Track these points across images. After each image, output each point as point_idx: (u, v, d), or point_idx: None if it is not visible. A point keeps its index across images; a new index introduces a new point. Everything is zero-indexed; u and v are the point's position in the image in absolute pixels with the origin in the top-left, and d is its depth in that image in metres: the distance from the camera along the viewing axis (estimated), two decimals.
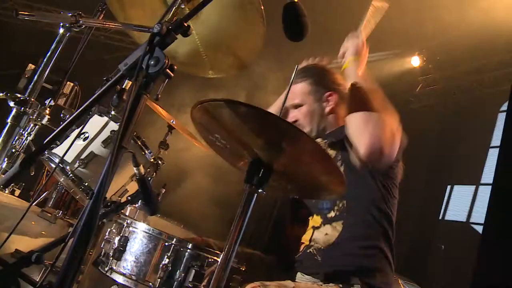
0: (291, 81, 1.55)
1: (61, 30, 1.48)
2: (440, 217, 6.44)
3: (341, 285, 1.85)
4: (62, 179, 2.48)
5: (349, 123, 1.91)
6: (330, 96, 2.24)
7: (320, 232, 2.02)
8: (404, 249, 5.61)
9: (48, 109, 2.29)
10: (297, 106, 2.24)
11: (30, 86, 1.58)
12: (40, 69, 1.51)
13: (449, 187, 6.57)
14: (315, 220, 2.08)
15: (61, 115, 2.44)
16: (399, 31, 6.19)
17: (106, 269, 2.05)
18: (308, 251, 2.02)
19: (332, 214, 2.02)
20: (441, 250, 6.10)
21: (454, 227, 6.23)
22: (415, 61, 6.96)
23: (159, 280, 1.92)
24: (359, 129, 1.85)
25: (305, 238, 2.08)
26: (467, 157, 6.47)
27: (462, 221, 6.08)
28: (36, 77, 1.59)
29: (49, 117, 2.42)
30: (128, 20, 1.77)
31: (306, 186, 1.72)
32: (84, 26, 1.47)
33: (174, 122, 3.12)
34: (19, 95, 1.44)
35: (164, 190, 2.92)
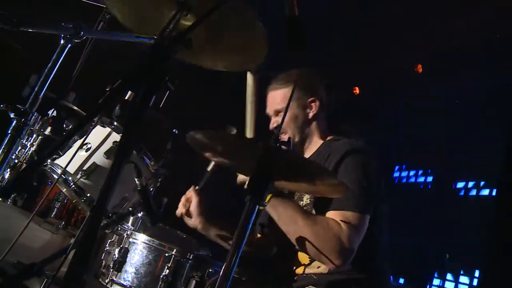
0: (289, 98, 1.53)
1: (62, 41, 1.49)
2: None
3: None
4: (65, 190, 2.48)
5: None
6: (313, 102, 2.21)
7: (312, 268, 1.97)
8: (405, 257, 5.57)
9: (50, 119, 2.31)
10: (278, 112, 2.20)
11: (31, 97, 1.58)
12: (41, 80, 1.51)
13: None
14: (303, 257, 2.01)
15: (64, 126, 2.45)
16: (401, 42, 6.21)
17: (106, 281, 2.05)
18: (303, 275, 1.99)
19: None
20: (446, 258, 6.05)
21: None
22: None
23: None
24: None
25: (298, 272, 2.03)
26: None
27: None
28: (36, 88, 1.60)
29: (51, 128, 2.43)
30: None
31: (309, 189, 1.74)
32: (85, 37, 1.47)
33: (177, 132, 3.12)
34: (19, 107, 1.44)
35: (166, 199, 2.91)
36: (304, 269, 1.98)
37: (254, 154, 1.42)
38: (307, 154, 2.20)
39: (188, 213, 2.18)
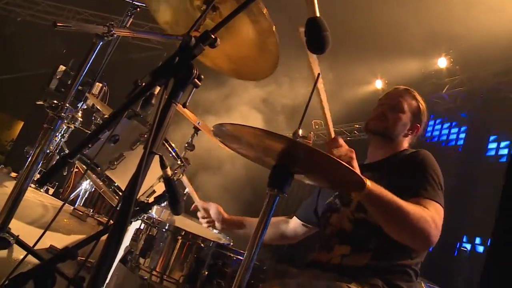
0: (313, 88, 1.59)
1: (94, 39, 1.57)
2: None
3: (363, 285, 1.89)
4: (93, 179, 2.59)
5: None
6: (418, 128, 2.32)
7: (349, 259, 2.01)
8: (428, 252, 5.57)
9: (80, 112, 2.40)
10: (394, 108, 2.28)
11: (66, 90, 1.67)
12: (75, 75, 1.60)
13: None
14: (343, 248, 2.06)
15: (93, 118, 2.55)
16: (426, 32, 6.16)
17: (133, 267, 2.14)
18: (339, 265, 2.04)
19: (364, 246, 2.01)
20: (466, 253, 6.03)
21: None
22: (442, 62, 6.90)
23: (183, 277, 1.99)
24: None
25: (333, 261, 2.06)
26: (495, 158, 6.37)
27: None
28: (70, 82, 1.68)
29: (81, 119, 2.53)
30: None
31: (329, 181, 1.81)
32: (115, 35, 1.55)
33: (200, 124, 3.19)
34: (55, 101, 1.53)
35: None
36: (341, 260, 2.03)
37: (276, 146, 1.48)
38: (382, 154, 2.29)
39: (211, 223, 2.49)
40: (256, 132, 1.44)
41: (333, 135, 1.96)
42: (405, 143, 2.31)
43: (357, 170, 1.78)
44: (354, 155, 1.83)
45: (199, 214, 2.56)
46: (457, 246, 6.20)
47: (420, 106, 2.32)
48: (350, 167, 1.50)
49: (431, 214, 1.85)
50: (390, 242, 1.91)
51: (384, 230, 1.86)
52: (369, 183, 1.71)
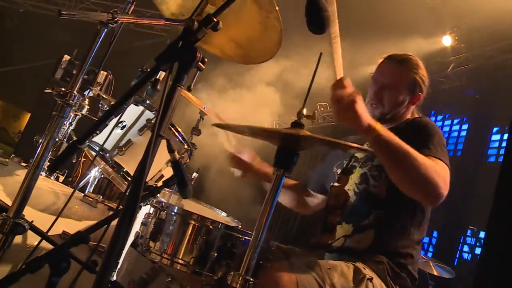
0: (315, 69, 1.60)
1: (99, 27, 1.59)
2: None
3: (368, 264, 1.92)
4: (102, 165, 2.63)
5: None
6: (418, 97, 2.24)
7: (352, 241, 2.04)
8: (436, 232, 5.60)
9: (87, 99, 2.44)
10: (387, 88, 2.19)
11: (71, 79, 1.70)
12: (81, 63, 1.62)
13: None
14: (346, 228, 2.08)
15: (99, 105, 2.58)
16: (430, 10, 6.10)
17: (143, 250, 2.18)
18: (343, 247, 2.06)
19: (366, 222, 2.04)
20: (475, 232, 6.05)
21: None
22: (447, 41, 6.84)
23: (193, 259, 2.03)
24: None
25: (336, 246, 2.09)
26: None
27: None
28: (76, 71, 1.70)
29: (88, 107, 2.56)
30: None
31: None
32: (119, 22, 1.56)
33: (205, 109, 3.22)
34: (63, 89, 1.56)
35: (197, 174, 3.03)
36: (345, 241, 2.06)
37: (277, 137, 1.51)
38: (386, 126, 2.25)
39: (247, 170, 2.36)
40: (254, 130, 1.47)
41: (340, 75, 1.85)
42: (408, 114, 2.26)
43: (362, 114, 1.70)
44: (358, 98, 1.71)
45: (232, 163, 2.39)
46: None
47: (416, 76, 2.21)
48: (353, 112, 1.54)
49: (439, 168, 1.82)
50: (391, 214, 1.94)
51: (393, 179, 1.83)
52: (379, 126, 1.70)
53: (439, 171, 1.80)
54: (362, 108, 1.72)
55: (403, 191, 1.83)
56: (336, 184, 2.15)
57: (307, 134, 1.47)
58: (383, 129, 1.73)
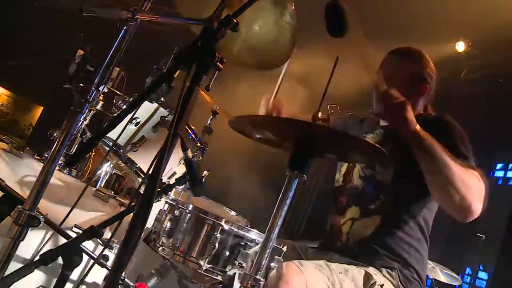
0: (331, 73, 1.60)
1: (118, 24, 1.60)
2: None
3: (379, 269, 1.92)
4: (115, 161, 2.65)
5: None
6: (424, 88, 2.21)
7: (359, 225, 2.05)
8: (442, 237, 5.56)
9: (101, 95, 2.46)
10: (387, 80, 2.09)
11: (84, 74, 1.71)
12: (100, 60, 1.64)
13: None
14: (354, 211, 2.10)
15: (114, 101, 2.60)
16: (444, 15, 6.05)
17: (157, 246, 2.20)
18: (347, 243, 2.08)
19: (373, 206, 2.05)
20: (481, 239, 5.99)
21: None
22: (460, 46, 6.78)
23: (206, 258, 2.04)
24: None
25: (345, 228, 2.11)
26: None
27: None
28: (94, 67, 1.72)
29: (102, 102, 2.58)
30: None
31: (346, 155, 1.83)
32: (139, 20, 1.58)
33: (218, 107, 3.23)
34: (81, 84, 1.57)
35: (207, 172, 3.05)
36: (352, 224, 2.08)
37: (293, 131, 1.50)
38: None
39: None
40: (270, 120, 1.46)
41: (384, 86, 1.89)
42: (418, 107, 2.22)
43: (413, 118, 1.74)
44: (408, 103, 1.75)
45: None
46: None
47: (417, 67, 2.20)
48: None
49: (475, 185, 1.77)
50: (397, 201, 1.97)
51: (429, 187, 1.83)
52: (423, 133, 1.72)
53: (474, 188, 1.76)
54: (411, 113, 1.76)
55: (437, 202, 1.90)
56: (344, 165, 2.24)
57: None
58: (423, 132, 1.74)
